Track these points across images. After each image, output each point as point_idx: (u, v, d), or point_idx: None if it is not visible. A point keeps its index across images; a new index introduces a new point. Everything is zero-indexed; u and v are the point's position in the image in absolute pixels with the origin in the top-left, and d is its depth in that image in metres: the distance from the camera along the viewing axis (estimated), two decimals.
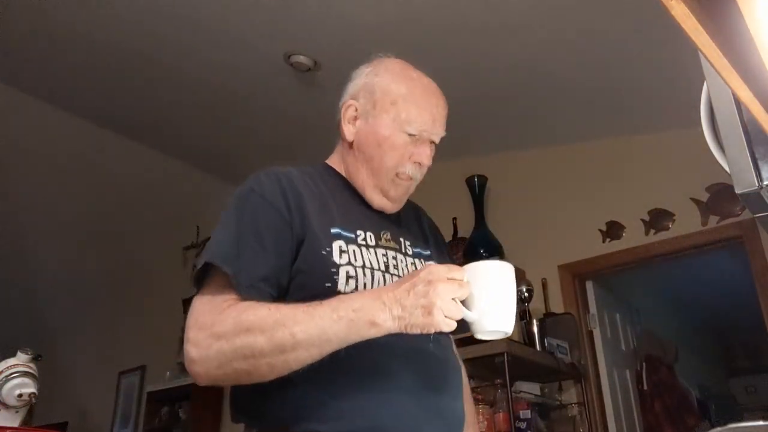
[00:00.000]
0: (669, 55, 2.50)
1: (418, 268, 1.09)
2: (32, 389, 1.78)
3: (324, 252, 0.97)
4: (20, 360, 1.81)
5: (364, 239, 1.04)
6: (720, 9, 0.43)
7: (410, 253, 1.12)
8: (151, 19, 2.77)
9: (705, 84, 0.71)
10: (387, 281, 1.02)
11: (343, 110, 1.15)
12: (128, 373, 5.08)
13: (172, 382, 4.48)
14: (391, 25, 2.62)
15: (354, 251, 1.00)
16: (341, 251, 0.99)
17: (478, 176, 3.52)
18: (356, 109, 1.13)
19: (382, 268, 1.03)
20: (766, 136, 0.66)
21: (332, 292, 0.93)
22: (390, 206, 1.13)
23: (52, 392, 4.23)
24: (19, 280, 5.10)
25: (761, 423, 0.87)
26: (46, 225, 4.69)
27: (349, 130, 1.13)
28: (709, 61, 0.47)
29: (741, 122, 0.68)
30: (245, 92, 3.27)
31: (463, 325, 0.85)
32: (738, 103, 0.67)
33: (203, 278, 0.95)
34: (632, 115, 3.15)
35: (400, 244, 1.11)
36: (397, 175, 1.09)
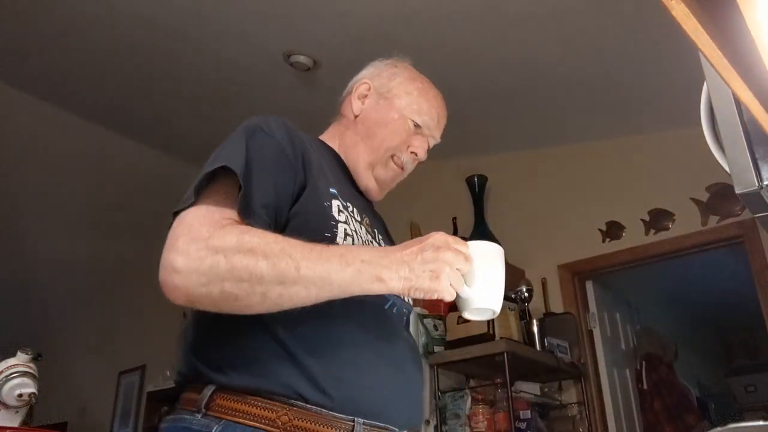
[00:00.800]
0: (669, 55, 2.50)
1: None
2: (32, 389, 1.78)
3: (326, 204, 0.96)
4: (20, 360, 1.81)
5: (352, 212, 1.03)
6: (720, 9, 0.43)
7: (381, 245, 1.11)
8: (150, 19, 2.77)
9: (705, 84, 0.71)
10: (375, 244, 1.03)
11: (355, 86, 1.18)
12: (128, 373, 5.08)
13: (172, 381, 4.47)
14: (390, 25, 2.62)
15: (347, 218, 1.00)
16: (339, 210, 0.98)
17: (478, 176, 3.52)
18: (369, 88, 1.16)
19: (366, 243, 1.04)
20: (766, 136, 0.66)
21: (330, 243, 0.90)
22: (375, 189, 1.14)
23: (52, 392, 4.23)
24: (19, 280, 5.10)
25: (761, 423, 0.87)
26: (46, 225, 4.69)
27: (357, 105, 1.15)
28: (709, 61, 0.47)
29: (741, 122, 0.68)
30: (245, 91, 3.27)
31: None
32: (738, 103, 0.67)
33: (203, 188, 0.86)
34: (632, 115, 3.15)
35: (374, 233, 1.11)
36: (392, 158, 1.12)
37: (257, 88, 3.24)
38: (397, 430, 0.93)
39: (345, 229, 0.96)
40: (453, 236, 0.85)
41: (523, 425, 2.70)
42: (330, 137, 1.18)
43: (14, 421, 1.78)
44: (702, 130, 0.74)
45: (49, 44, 3.04)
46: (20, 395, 1.75)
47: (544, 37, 2.61)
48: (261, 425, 0.82)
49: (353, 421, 0.86)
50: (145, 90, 3.39)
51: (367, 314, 0.93)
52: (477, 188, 3.51)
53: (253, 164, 0.88)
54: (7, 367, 1.77)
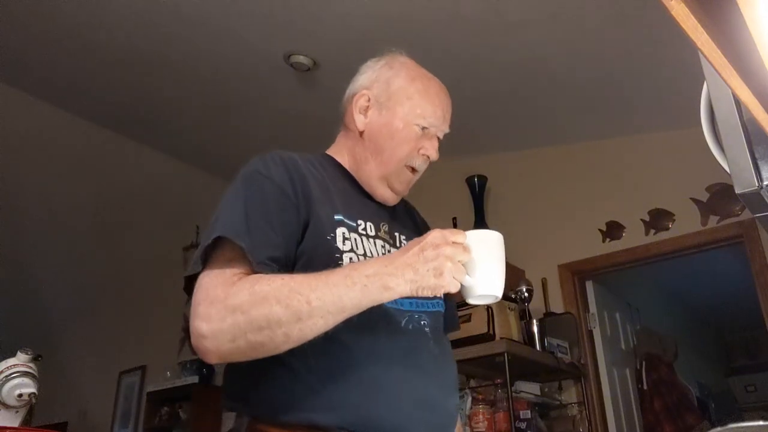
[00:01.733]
0: (669, 55, 2.50)
1: None
2: (32, 389, 1.78)
3: (329, 237, 0.97)
4: (20, 360, 1.81)
5: (365, 229, 1.05)
6: (720, 9, 0.43)
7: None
8: (151, 19, 2.77)
9: (705, 84, 0.71)
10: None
11: (354, 99, 1.15)
12: (128, 373, 5.08)
13: (172, 382, 4.48)
14: (390, 25, 2.62)
15: (356, 239, 1.01)
16: (344, 238, 0.99)
17: (478, 176, 3.52)
18: (369, 99, 1.14)
19: None
20: (766, 136, 0.66)
21: None
22: (392, 199, 1.14)
23: (52, 392, 4.23)
24: (19, 280, 5.10)
25: (761, 423, 0.87)
26: (47, 225, 4.68)
27: (360, 120, 1.13)
28: (709, 61, 0.47)
29: (741, 122, 0.68)
30: (245, 92, 3.27)
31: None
32: (738, 103, 0.67)
33: (210, 254, 0.92)
34: (632, 115, 3.15)
35: (394, 238, 1.11)
36: (406, 167, 1.12)
37: (257, 89, 3.24)
38: None
39: (350, 258, 0.98)
40: (450, 229, 0.88)
41: (523, 425, 2.70)
42: (338, 152, 1.17)
43: (14, 421, 1.77)
44: (702, 130, 0.74)
45: (50, 46, 3.04)
46: (20, 395, 1.75)
47: (544, 37, 2.61)
48: None
49: None
50: (146, 91, 3.39)
51: (381, 339, 0.95)
52: (477, 188, 3.51)
53: (257, 217, 0.93)
54: (7, 367, 1.77)
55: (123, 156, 4.07)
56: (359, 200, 1.10)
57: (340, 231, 0.99)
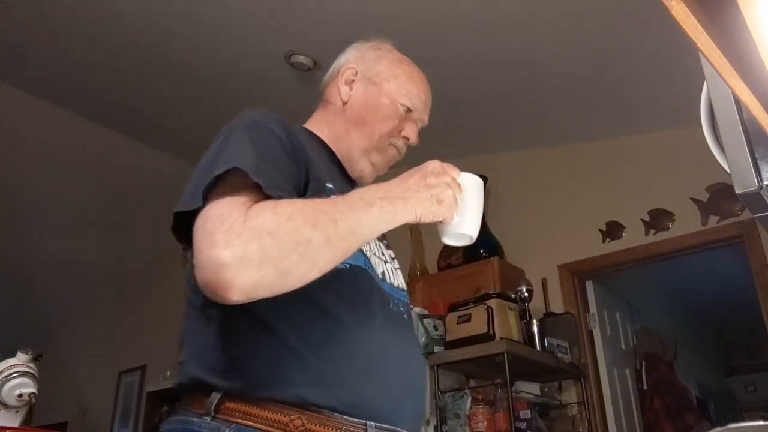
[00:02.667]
0: (669, 55, 2.50)
1: (384, 251, 1.07)
2: (32, 389, 1.78)
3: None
4: (20, 360, 1.81)
5: None
6: (720, 9, 0.43)
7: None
8: (151, 18, 2.77)
9: (705, 84, 0.71)
10: (371, 246, 1.01)
11: (341, 72, 1.14)
12: (128, 373, 5.08)
13: (172, 381, 4.47)
14: (391, 25, 2.62)
15: None
16: None
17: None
18: (356, 73, 1.13)
19: None
20: (766, 136, 0.66)
21: None
22: (370, 173, 1.11)
23: (52, 392, 4.23)
24: (19, 280, 5.10)
25: (761, 423, 0.87)
26: (47, 225, 4.69)
27: (345, 91, 1.12)
28: (709, 61, 0.47)
29: (741, 122, 0.68)
30: (246, 91, 3.27)
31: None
32: (738, 103, 0.67)
33: (211, 189, 0.80)
34: (632, 115, 3.15)
35: None
36: (390, 146, 1.11)
37: (258, 88, 3.24)
38: (405, 431, 0.92)
39: None
40: (447, 163, 0.91)
41: (523, 425, 2.70)
42: (316, 125, 1.12)
43: (14, 421, 1.78)
44: (702, 130, 0.74)
45: (50, 45, 3.04)
46: (20, 395, 1.75)
47: (544, 37, 2.61)
48: (273, 429, 0.81)
49: (365, 424, 0.86)
50: (146, 90, 3.39)
51: (376, 319, 0.93)
52: None
53: (263, 159, 0.84)
54: (7, 367, 1.77)
55: (123, 155, 4.07)
56: (339, 176, 1.07)
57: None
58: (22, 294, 5.26)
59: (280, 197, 0.78)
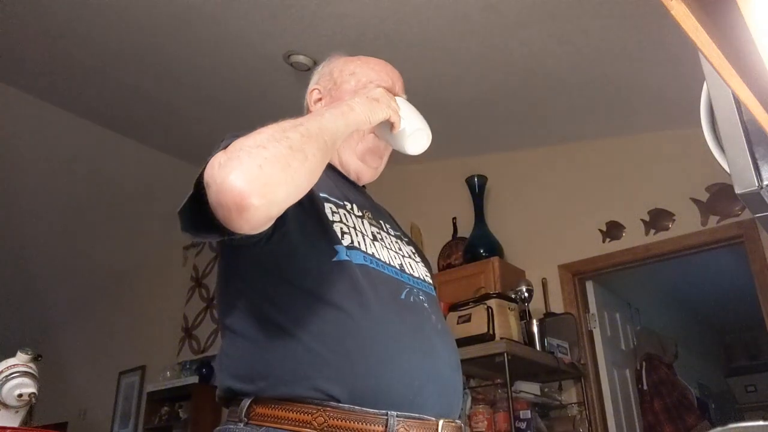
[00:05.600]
0: (669, 55, 2.50)
1: (402, 247, 1.11)
2: (32, 389, 1.78)
3: (317, 208, 0.99)
4: (20, 360, 1.81)
5: (351, 209, 1.06)
6: (720, 9, 0.43)
7: (392, 233, 1.13)
8: (150, 19, 2.77)
9: (705, 84, 0.71)
10: (377, 248, 1.03)
11: (307, 98, 1.22)
12: (128, 373, 5.08)
13: (172, 382, 4.48)
14: (390, 25, 2.62)
15: (344, 214, 1.02)
16: (332, 212, 1.01)
17: (478, 176, 3.52)
18: (319, 92, 1.21)
19: (370, 236, 1.04)
20: (766, 136, 0.66)
21: (331, 245, 0.96)
22: (364, 169, 1.15)
23: (52, 392, 4.23)
24: (19, 280, 5.10)
25: (761, 423, 0.86)
26: (46, 224, 4.69)
27: (314, 110, 1.18)
28: (709, 61, 0.47)
29: (741, 122, 0.68)
30: (245, 92, 3.27)
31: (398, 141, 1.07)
32: (738, 103, 0.67)
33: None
34: (632, 115, 3.15)
35: (380, 224, 1.12)
36: (368, 134, 1.13)
37: (257, 89, 3.24)
38: (434, 419, 0.93)
39: (341, 228, 0.98)
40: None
41: (523, 425, 2.70)
42: None
43: (14, 421, 1.77)
44: (702, 130, 0.74)
45: (50, 45, 3.04)
46: (20, 395, 1.75)
47: (544, 37, 2.61)
48: (298, 428, 0.86)
49: (386, 414, 0.88)
50: (145, 90, 3.39)
51: (388, 309, 0.94)
52: (477, 188, 3.51)
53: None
54: (7, 367, 1.77)
55: (123, 155, 4.07)
56: (342, 184, 1.11)
57: (327, 206, 1.01)
58: (22, 294, 5.26)
59: None
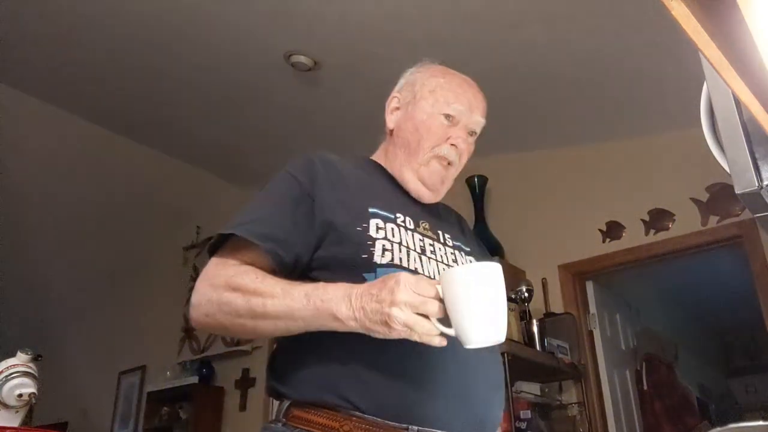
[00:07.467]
0: (669, 56, 2.50)
1: (458, 259, 1.11)
2: (32, 389, 1.78)
3: (359, 228, 1.00)
4: (20, 360, 1.81)
5: (403, 221, 1.07)
6: (720, 9, 0.43)
7: (450, 244, 1.14)
8: (151, 19, 2.77)
9: (705, 84, 0.71)
10: (423, 263, 1.03)
11: (387, 103, 1.24)
12: (128, 373, 5.08)
13: (172, 382, 4.48)
14: (390, 25, 2.62)
15: (392, 229, 1.03)
16: (378, 228, 1.02)
17: (478, 176, 3.52)
18: (398, 101, 1.22)
19: (418, 250, 1.04)
20: (766, 136, 0.66)
21: (369, 263, 0.96)
22: (426, 193, 1.16)
23: (52, 392, 4.23)
24: (19, 280, 5.10)
25: (761, 423, 0.87)
26: (47, 225, 4.69)
27: (390, 119, 1.21)
28: (709, 61, 0.47)
29: (741, 122, 0.68)
30: (246, 92, 3.27)
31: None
32: (738, 103, 0.67)
33: (218, 247, 1.03)
34: (632, 116, 3.15)
35: (438, 235, 1.13)
36: (434, 157, 1.14)
37: (258, 89, 3.24)
38: None
39: (383, 245, 0.99)
40: (421, 277, 0.83)
41: (523, 425, 2.70)
42: (380, 156, 1.24)
43: (14, 421, 1.77)
44: (702, 130, 0.74)
45: (50, 44, 3.04)
46: (20, 395, 1.75)
47: (544, 37, 2.61)
48: None
49: (407, 428, 0.91)
50: (146, 90, 3.39)
51: None
52: (477, 188, 3.51)
53: (265, 204, 1.04)
54: (7, 367, 1.77)
55: (123, 156, 4.07)
56: (400, 199, 1.13)
57: (373, 222, 1.02)
58: (22, 294, 5.26)
59: (272, 248, 0.96)
